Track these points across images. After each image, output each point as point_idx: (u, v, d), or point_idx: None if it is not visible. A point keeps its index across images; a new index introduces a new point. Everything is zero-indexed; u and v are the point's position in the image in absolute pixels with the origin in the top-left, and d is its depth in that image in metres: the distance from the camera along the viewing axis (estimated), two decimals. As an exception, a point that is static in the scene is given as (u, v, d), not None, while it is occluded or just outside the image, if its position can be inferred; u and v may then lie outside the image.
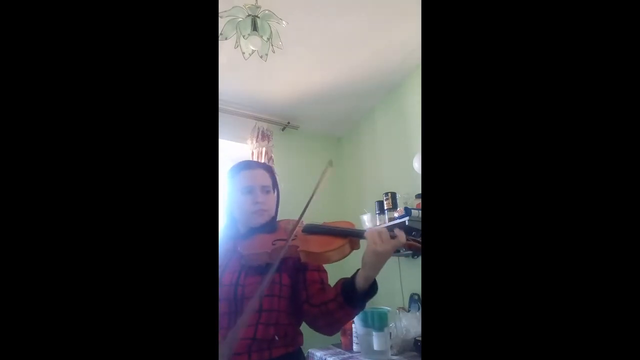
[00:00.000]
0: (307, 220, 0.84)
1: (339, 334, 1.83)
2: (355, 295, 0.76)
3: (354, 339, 1.71)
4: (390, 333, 1.59)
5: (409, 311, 1.88)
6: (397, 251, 0.77)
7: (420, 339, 1.55)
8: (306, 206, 0.81)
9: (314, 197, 0.81)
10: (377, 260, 0.74)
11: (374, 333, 1.54)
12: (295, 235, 0.82)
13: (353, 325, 1.71)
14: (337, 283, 0.82)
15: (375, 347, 1.53)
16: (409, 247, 0.77)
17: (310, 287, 0.85)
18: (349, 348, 1.76)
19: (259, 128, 2.45)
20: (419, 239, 0.78)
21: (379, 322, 1.54)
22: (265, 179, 0.94)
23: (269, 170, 0.98)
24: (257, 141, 2.42)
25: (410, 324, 1.63)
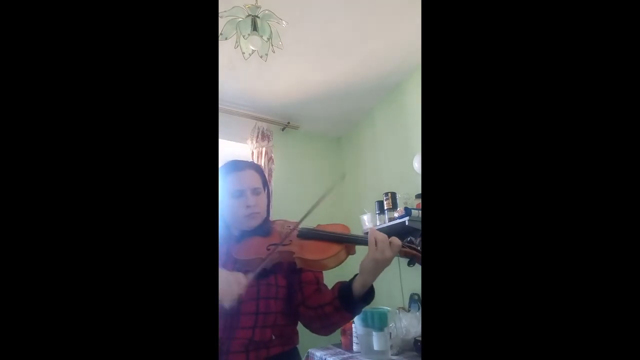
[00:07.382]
0: (304, 220, 0.83)
1: (338, 333, 1.84)
2: (352, 300, 0.77)
3: (354, 339, 1.70)
4: (390, 333, 1.59)
5: (409, 311, 1.88)
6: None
7: (420, 339, 1.55)
8: (308, 212, 0.80)
9: (317, 204, 0.79)
10: (376, 267, 0.75)
11: (374, 333, 1.54)
12: (290, 240, 0.82)
13: (353, 325, 1.71)
14: (334, 286, 0.83)
15: (375, 347, 1.53)
16: (404, 254, 0.78)
17: (305, 289, 0.85)
18: (349, 348, 1.76)
19: (259, 128, 2.45)
20: (414, 246, 0.79)
21: (379, 322, 1.54)
22: (254, 180, 0.90)
23: (258, 169, 0.95)
24: (257, 141, 2.42)
25: (410, 324, 1.63)
